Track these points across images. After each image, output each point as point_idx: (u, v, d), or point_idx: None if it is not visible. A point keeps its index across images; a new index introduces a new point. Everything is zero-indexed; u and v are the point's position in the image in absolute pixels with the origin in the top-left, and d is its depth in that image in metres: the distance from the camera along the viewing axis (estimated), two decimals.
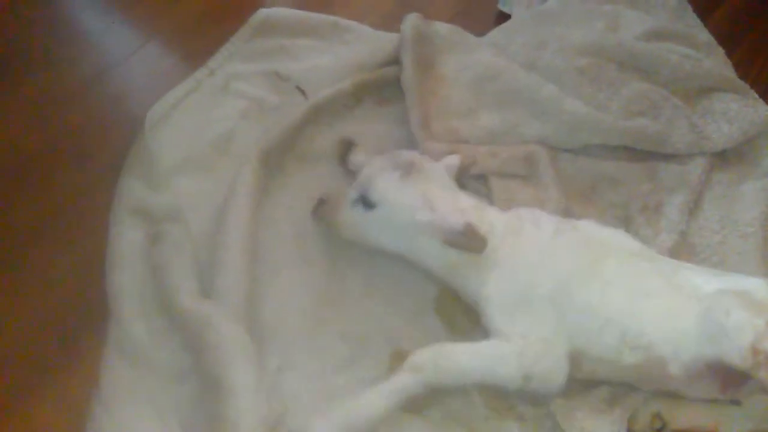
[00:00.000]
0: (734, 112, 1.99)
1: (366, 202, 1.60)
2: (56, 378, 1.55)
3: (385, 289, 1.70)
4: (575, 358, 1.48)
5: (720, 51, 2.19)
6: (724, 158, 1.97)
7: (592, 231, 1.60)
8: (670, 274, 1.52)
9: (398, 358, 1.58)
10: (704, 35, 2.21)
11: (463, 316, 1.69)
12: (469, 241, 1.51)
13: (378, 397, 1.45)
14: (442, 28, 2.07)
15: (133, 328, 1.58)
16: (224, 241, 1.64)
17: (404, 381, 1.46)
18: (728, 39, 2.23)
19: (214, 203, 1.74)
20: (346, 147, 1.83)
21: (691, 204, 1.83)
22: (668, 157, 1.92)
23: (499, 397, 1.55)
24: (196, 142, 1.89)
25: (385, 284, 1.70)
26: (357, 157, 1.80)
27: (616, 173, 1.87)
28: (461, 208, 1.57)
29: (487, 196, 1.82)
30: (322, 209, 1.70)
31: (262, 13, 2.18)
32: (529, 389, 1.48)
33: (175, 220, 1.71)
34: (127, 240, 1.70)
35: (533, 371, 1.46)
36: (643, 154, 1.92)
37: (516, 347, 1.47)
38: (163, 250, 1.66)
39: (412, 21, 2.00)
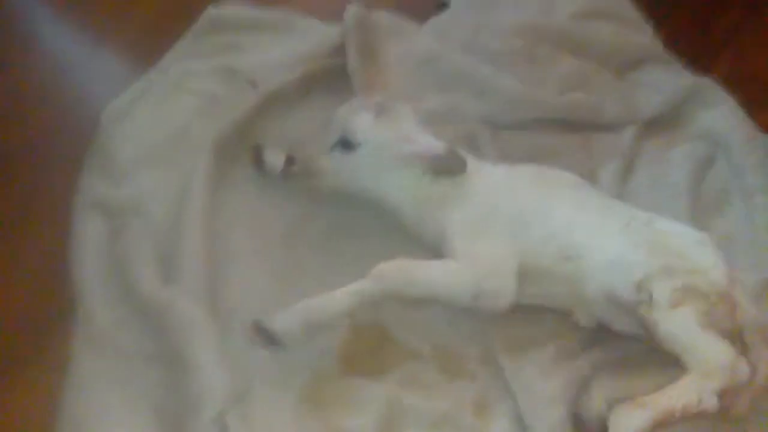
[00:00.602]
0: (662, 82, 2.12)
1: (346, 145, 1.69)
2: (28, 368, 1.62)
3: (344, 268, 1.74)
4: (523, 275, 1.60)
5: (648, 27, 2.30)
6: (654, 126, 2.09)
7: (541, 168, 1.77)
8: (611, 203, 1.72)
9: (354, 330, 1.66)
10: (632, 13, 2.32)
11: None
12: (451, 162, 1.65)
13: (340, 296, 1.55)
14: (383, 16, 2.16)
15: (99, 318, 1.65)
16: (183, 230, 1.72)
17: (365, 284, 1.57)
18: (655, 16, 2.35)
19: (173, 195, 1.81)
20: (258, 152, 1.85)
21: (623, 170, 1.95)
22: (601, 128, 2.04)
23: (452, 358, 1.65)
24: (153, 138, 1.95)
25: (344, 264, 1.76)
26: (271, 158, 1.83)
27: (553, 145, 1.98)
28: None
29: None
30: (293, 168, 1.75)
31: (211, 11, 2.24)
32: (479, 305, 1.60)
33: (135, 212, 1.78)
34: (90, 234, 1.76)
35: (483, 287, 1.58)
36: (578, 125, 2.04)
37: (469, 264, 1.59)
38: (125, 242, 1.73)
39: (353, 11, 2.09)
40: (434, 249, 1.69)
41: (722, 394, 1.44)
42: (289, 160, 1.77)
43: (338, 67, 2.07)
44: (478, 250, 1.61)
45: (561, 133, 2.03)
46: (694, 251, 1.58)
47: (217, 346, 1.55)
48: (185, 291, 1.62)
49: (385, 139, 1.68)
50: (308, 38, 2.21)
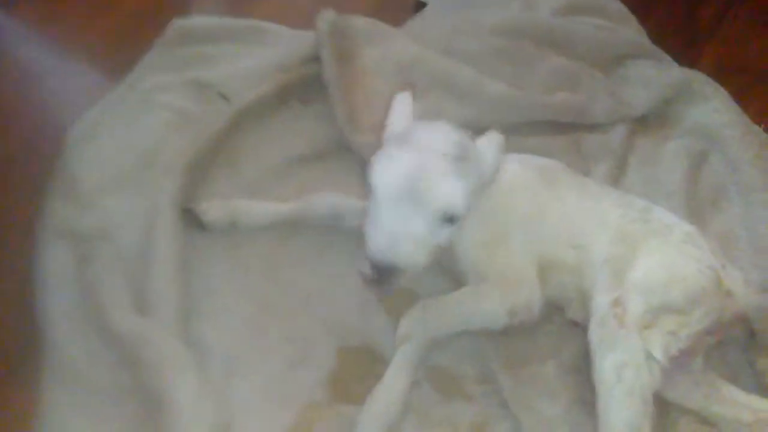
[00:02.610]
0: (650, 76, 2.04)
1: (452, 220, 1.36)
2: None
3: (329, 289, 1.69)
4: (541, 274, 1.55)
5: (633, 19, 2.25)
6: (645, 123, 2.02)
7: (536, 160, 1.68)
8: (608, 189, 1.66)
9: (344, 354, 1.59)
10: (616, 5, 2.27)
11: (406, 305, 1.69)
12: None
13: (395, 382, 1.47)
14: (358, 21, 2.07)
15: (68, 351, 1.54)
16: (154, 256, 1.61)
17: (405, 351, 1.49)
18: (640, 8, 2.29)
19: (143, 219, 1.70)
20: (191, 212, 1.70)
21: (615, 170, 1.88)
22: (590, 128, 1.97)
23: (447, 379, 1.57)
24: (120, 159, 1.83)
25: (328, 285, 1.69)
26: (209, 214, 1.70)
27: (541, 148, 1.89)
28: None
29: None
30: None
31: (177, 23, 2.14)
32: (515, 322, 1.53)
33: (103, 238, 1.67)
34: (55, 262, 1.65)
35: (516, 302, 1.51)
36: (566, 127, 1.96)
37: (495, 283, 1.52)
38: (93, 270, 1.62)
39: (326, 16, 2.00)
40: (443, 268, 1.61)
41: None
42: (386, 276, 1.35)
43: (314, 75, 1.98)
44: (498, 264, 1.53)
45: (549, 135, 1.96)
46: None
47: (195, 380, 1.45)
48: (159, 322, 1.52)
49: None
50: (281, 47, 2.12)
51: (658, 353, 1.40)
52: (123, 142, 1.88)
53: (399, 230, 1.28)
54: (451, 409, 1.55)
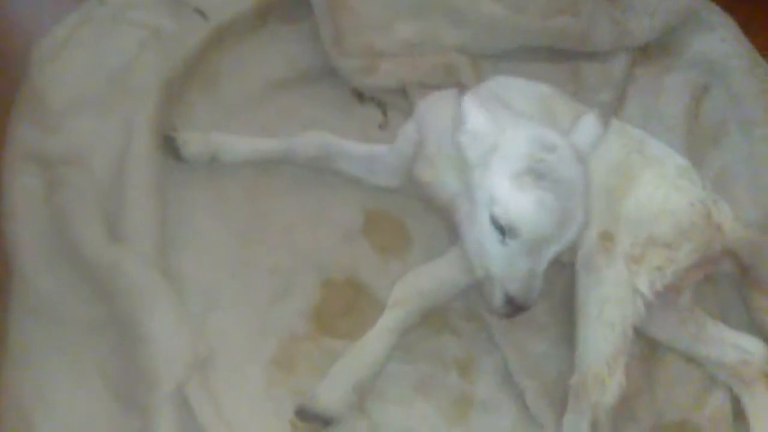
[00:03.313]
0: (655, 4, 1.95)
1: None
2: None
3: (310, 220, 1.63)
4: None
5: None
6: (647, 52, 1.95)
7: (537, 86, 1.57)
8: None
9: (328, 287, 1.55)
10: None
11: (393, 237, 1.66)
12: None
13: (376, 342, 1.41)
14: None
15: (38, 282, 1.47)
16: (129, 182, 1.53)
17: (396, 316, 1.43)
18: None
19: (116, 143, 1.60)
20: (171, 142, 1.61)
21: (615, 101, 1.81)
22: (590, 56, 1.89)
23: (434, 313, 1.52)
24: (91, 79, 1.72)
25: (310, 215, 1.64)
26: (188, 146, 1.60)
27: (538, 75, 1.78)
28: None
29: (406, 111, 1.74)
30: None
31: None
32: None
33: (74, 163, 1.58)
34: (22, 187, 1.56)
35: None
36: (565, 54, 1.88)
37: None
38: (63, 196, 1.53)
39: None
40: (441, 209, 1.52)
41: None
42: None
43: None
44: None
45: (547, 62, 1.88)
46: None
47: (173, 311, 1.40)
48: (134, 251, 1.45)
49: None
50: None
51: (643, 288, 1.38)
52: (93, 61, 1.77)
53: (537, 269, 1.26)
54: (437, 345, 1.52)
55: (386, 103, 1.82)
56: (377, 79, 1.78)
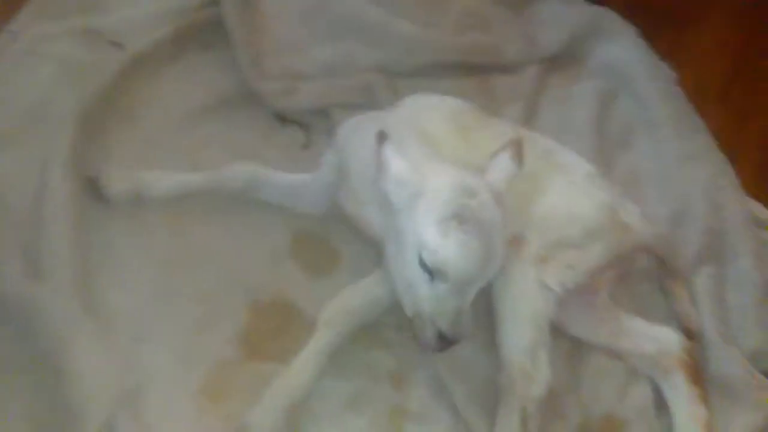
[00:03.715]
0: (560, 16, 2.04)
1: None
2: None
3: (235, 243, 1.63)
4: None
5: None
6: (556, 63, 2.02)
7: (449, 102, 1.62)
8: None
9: (256, 310, 1.55)
10: None
11: (320, 257, 1.67)
12: None
13: (305, 365, 1.43)
14: None
15: None
16: (47, 217, 1.51)
17: (325, 338, 1.45)
18: None
19: (33, 178, 1.58)
20: (93, 182, 1.60)
21: (527, 112, 1.87)
22: (502, 69, 1.95)
23: (365, 328, 1.54)
24: (6, 114, 1.70)
25: (234, 239, 1.64)
26: (113, 187, 1.59)
27: (453, 90, 1.85)
28: None
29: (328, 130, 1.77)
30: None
31: None
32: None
33: None
34: None
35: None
36: (477, 69, 1.94)
37: None
38: None
39: None
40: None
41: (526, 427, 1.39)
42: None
43: (212, 19, 1.87)
44: None
45: (460, 77, 1.93)
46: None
47: (97, 345, 1.39)
48: (54, 287, 1.43)
49: None
50: None
51: (552, 284, 1.43)
52: (7, 95, 1.75)
53: (464, 306, 1.31)
54: (370, 357, 1.54)
55: (308, 125, 1.84)
56: (298, 101, 1.81)
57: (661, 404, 1.57)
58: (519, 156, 1.39)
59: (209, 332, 1.51)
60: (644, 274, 1.72)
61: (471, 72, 1.93)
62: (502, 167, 1.38)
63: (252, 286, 1.59)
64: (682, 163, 1.83)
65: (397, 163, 1.32)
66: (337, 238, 1.69)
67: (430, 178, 1.32)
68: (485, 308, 1.55)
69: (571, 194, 1.52)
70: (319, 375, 1.44)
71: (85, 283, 1.47)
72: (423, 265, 1.27)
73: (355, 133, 1.54)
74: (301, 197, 1.66)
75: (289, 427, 1.39)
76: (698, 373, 1.54)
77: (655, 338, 1.57)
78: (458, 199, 1.28)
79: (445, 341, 1.30)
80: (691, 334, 1.61)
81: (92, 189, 1.56)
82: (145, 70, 1.80)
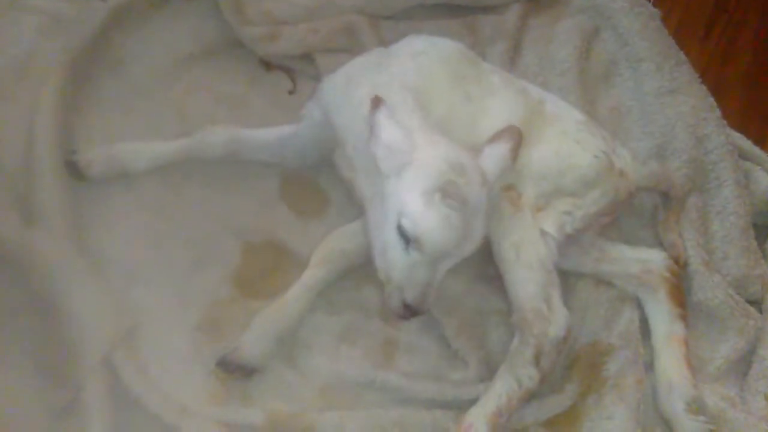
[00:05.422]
0: None
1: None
2: None
3: (225, 188, 1.65)
4: None
5: None
6: (538, 2, 2.02)
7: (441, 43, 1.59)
8: (511, 83, 1.60)
9: (249, 251, 1.58)
10: None
11: (310, 200, 1.69)
12: None
13: (297, 297, 1.47)
14: None
15: None
16: (38, 165, 1.52)
17: (317, 275, 1.49)
18: None
19: (21, 131, 1.59)
20: (73, 165, 1.56)
21: (512, 51, 1.88)
22: (485, 9, 1.96)
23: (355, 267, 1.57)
24: None
25: (224, 184, 1.65)
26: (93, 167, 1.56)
27: (437, 31, 1.82)
28: None
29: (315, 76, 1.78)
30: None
31: None
32: None
33: None
34: None
35: None
36: (461, 9, 1.94)
37: None
38: None
39: None
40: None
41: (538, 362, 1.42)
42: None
43: None
44: None
45: (444, 18, 1.93)
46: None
47: (92, 286, 1.42)
48: (48, 232, 1.45)
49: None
50: None
51: (551, 230, 1.46)
52: None
53: (433, 280, 1.32)
54: (360, 295, 1.57)
55: (294, 71, 1.85)
56: (281, 46, 1.81)
57: (647, 331, 1.60)
58: (516, 151, 1.38)
59: (203, 273, 1.55)
60: (633, 209, 1.74)
61: (454, 12, 1.93)
62: (497, 159, 1.37)
63: (243, 228, 1.62)
64: (665, 96, 1.84)
65: (389, 130, 1.31)
66: (326, 181, 1.71)
67: (422, 148, 1.31)
68: None
69: (565, 144, 1.52)
70: (308, 307, 1.48)
71: (79, 229, 1.50)
72: (401, 232, 1.28)
73: (345, 95, 1.50)
74: (286, 154, 1.65)
75: (281, 356, 1.43)
76: (681, 293, 1.58)
77: (640, 259, 1.60)
78: (447, 174, 1.28)
79: (409, 310, 1.31)
80: (678, 263, 1.64)
81: (73, 172, 1.54)
82: (130, 20, 1.79)
